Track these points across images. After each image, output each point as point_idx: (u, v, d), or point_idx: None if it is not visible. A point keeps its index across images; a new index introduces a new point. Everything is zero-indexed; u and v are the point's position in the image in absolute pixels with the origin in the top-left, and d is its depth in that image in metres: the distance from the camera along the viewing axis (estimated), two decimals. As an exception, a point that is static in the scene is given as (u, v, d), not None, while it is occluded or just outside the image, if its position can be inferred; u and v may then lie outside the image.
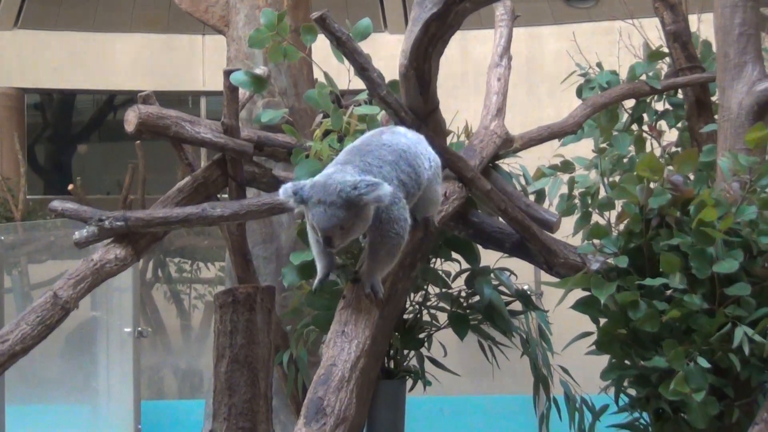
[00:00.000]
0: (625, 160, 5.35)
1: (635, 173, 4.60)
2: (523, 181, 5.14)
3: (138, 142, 12.41)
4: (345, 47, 4.18)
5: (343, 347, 3.83)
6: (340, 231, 3.46)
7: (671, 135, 6.05)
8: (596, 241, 4.70)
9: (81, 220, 4.74)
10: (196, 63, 16.42)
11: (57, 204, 4.79)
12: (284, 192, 3.51)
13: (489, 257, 5.04)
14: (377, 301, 3.67)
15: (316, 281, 3.80)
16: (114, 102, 19.33)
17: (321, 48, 4.67)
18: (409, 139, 3.84)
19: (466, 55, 13.42)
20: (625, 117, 5.93)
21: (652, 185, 4.55)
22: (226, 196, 4.99)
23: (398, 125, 4.12)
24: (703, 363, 4.22)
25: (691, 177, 4.72)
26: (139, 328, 10.14)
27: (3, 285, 8.80)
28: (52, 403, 9.78)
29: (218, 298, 2.32)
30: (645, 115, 5.95)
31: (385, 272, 3.76)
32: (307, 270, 4.82)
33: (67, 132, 20.40)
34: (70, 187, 13.04)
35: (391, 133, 3.84)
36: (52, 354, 9.28)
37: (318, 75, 4.98)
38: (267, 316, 2.30)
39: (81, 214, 4.77)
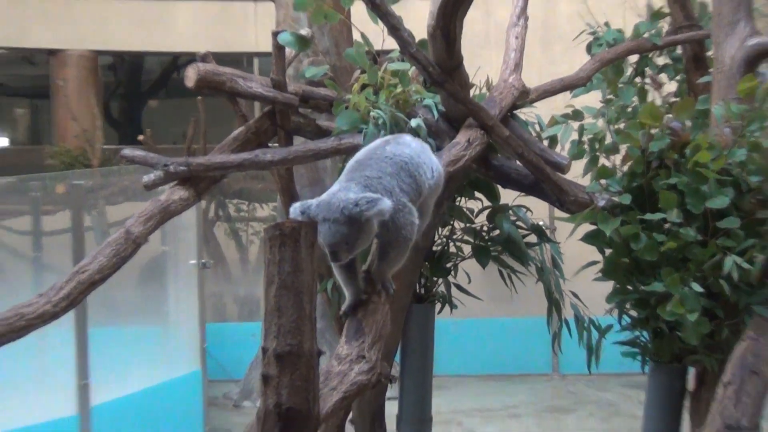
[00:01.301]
0: (629, 110, 5.31)
1: (638, 120, 4.59)
2: (537, 129, 5.11)
3: (200, 98, 12.45)
4: (379, 10, 4.17)
5: (379, 276, 3.85)
6: (345, 245, 3.31)
7: (671, 86, 6.03)
8: (603, 181, 4.70)
9: (148, 165, 4.75)
10: (249, 27, 16.42)
11: (128, 151, 4.81)
12: (293, 211, 3.34)
13: (508, 196, 5.03)
14: (388, 297, 3.54)
15: (345, 306, 3.57)
16: (177, 62, 19.35)
17: (358, 11, 4.65)
18: (412, 149, 3.66)
19: (489, 17, 13.37)
20: (629, 71, 5.92)
21: (652, 131, 4.55)
22: (276, 143, 4.99)
23: (403, 135, 3.89)
24: (697, 288, 4.24)
25: (688, 123, 4.68)
26: (203, 261, 10.20)
27: (83, 224, 8.84)
28: (128, 326, 9.87)
29: (267, 232, 2.32)
30: (647, 69, 5.94)
31: (395, 269, 3.60)
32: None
33: (137, 89, 20.46)
34: (141, 137, 13.10)
35: (395, 144, 3.66)
36: (128, 283, 9.36)
37: (356, 35, 4.96)
38: (310, 248, 2.30)
39: (148, 160, 4.78)
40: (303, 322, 2.30)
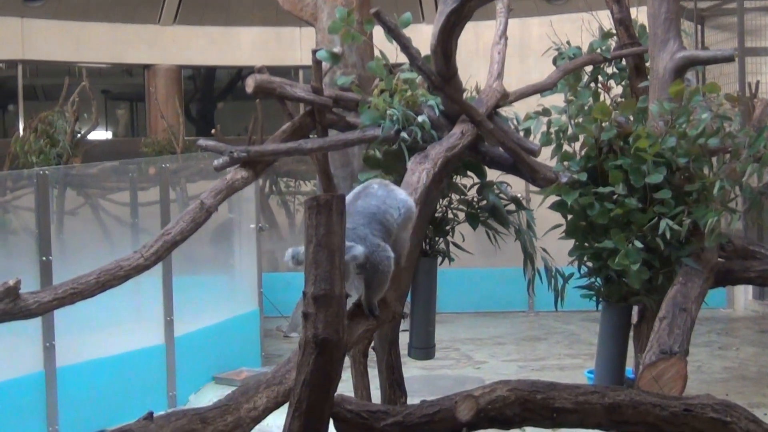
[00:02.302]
0: (585, 108, 5.26)
1: (592, 116, 4.56)
2: (515, 123, 5.07)
3: (257, 101, 12.45)
4: (393, 33, 4.14)
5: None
6: None
7: (618, 90, 5.97)
8: (565, 163, 4.67)
9: (218, 152, 4.74)
10: (295, 46, 16.44)
11: (203, 142, 4.80)
12: (287, 255, 3.20)
13: (492, 174, 5.02)
14: (375, 319, 3.29)
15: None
16: (241, 74, 19.31)
17: (378, 33, 4.62)
18: (378, 198, 3.39)
19: (477, 37, 13.25)
20: (586, 78, 5.86)
21: (603, 124, 4.52)
22: (315, 135, 4.97)
23: (371, 186, 3.50)
24: (638, 244, 4.21)
25: (631, 118, 4.65)
26: (260, 225, 10.21)
27: (169, 197, 8.87)
28: (203, 275, 9.90)
29: (307, 203, 2.31)
30: (600, 77, 5.87)
31: (379, 296, 3.32)
32: (369, 184, 4.83)
33: (210, 94, 20.46)
34: (213, 131, 13.08)
35: (365, 197, 3.39)
36: (202, 242, 9.38)
37: (376, 52, 4.93)
38: (339, 216, 2.28)
39: (218, 148, 4.77)
40: (334, 272, 2.29)
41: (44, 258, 7.11)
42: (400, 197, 3.48)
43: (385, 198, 3.41)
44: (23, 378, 6.93)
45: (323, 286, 2.27)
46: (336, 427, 2.60)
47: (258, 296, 10.29)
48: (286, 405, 3.03)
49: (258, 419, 2.92)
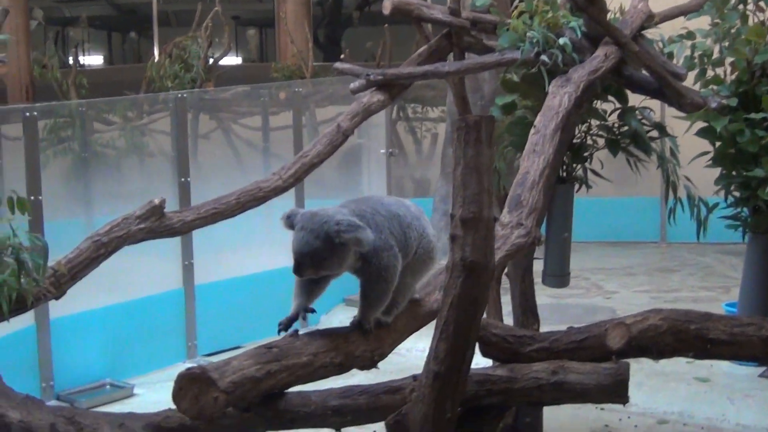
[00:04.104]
0: (732, 31, 5.04)
1: (744, 38, 4.36)
2: (660, 46, 4.89)
3: (386, 25, 12.39)
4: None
5: (534, 160, 3.77)
6: (310, 260, 2.66)
7: (770, 12, 5.66)
8: (714, 87, 4.51)
9: (354, 75, 4.74)
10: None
11: (338, 65, 4.82)
12: (282, 215, 2.83)
13: (635, 99, 4.86)
14: (367, 335, 2.78)
15: (285, 318, 2.82)
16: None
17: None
18: (411, 212, 2.94)
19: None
20: (733, 0, 5.58)
21: (757, 47, 4.31)
22: (451, 59, 4.91)
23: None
24: (791, 173, 4.04)
25: (787, 39, 4.43)
26: (390, 150, 10.23)
27: (302, 122, 8.95)
28: (334, 198, 9.99)
29: (455, 123, 2.26)
30: (750, -1, 5.59)
31: (378, 311, 2.81)
32: (508, 108, 4.74)
33: (338, 20, 20.51)
34: (342, 56, 13.10)
35: (395, 199, 3.01)
36: (333, 167, 9.45)
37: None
38: (488, 137, 2.23)
39: (354, 71, 4.78)
40: (482, 195, 2.24)
41: (183, 179, 7.31)
42: (431, 230, 3.03)
43: (415, 217, 2.95)
44: (164, 294, 7.21)
45: (472, 208, 2.23)
46: (481, 350, 2.60)
47: (386, 221, 10.35)
48: (424, 328, 3.05)
49: (397, 341, 2.94)
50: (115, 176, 7.82)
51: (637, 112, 4.86)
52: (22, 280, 3.39)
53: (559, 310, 8.10)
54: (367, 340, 2.76)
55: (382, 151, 10.07)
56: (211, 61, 12.88)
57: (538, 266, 5.18)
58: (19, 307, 3.46)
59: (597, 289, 9.45)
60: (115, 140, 8.47)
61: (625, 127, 4.84)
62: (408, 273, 2.87)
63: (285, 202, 8.01)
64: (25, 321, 5.92)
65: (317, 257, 2.64)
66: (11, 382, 3.05)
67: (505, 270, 5.04)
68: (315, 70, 14.03)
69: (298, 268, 2.67)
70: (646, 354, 2.35)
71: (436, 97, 14.25)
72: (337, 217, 2.66)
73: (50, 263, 3.57)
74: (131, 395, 6.51)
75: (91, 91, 12.58)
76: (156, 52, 15.63)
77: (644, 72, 4.58)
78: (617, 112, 4.88)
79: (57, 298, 3.77)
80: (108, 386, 6.66)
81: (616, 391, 2.32)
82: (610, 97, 4.87)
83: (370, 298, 2.76)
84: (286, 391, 2.63)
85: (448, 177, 11.17)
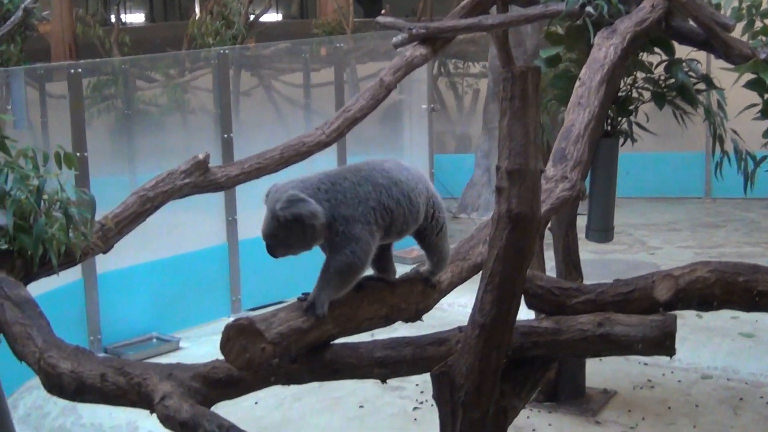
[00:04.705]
0: (784, -19, 4.94)
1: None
2: (708, -4, 4.79)
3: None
4: None
5: (579, 113, 3.72)
6: (275, 241, 2.49)
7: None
8: (763, 38, 4.40)
9: (397, 29, 4.72)
10: None
11: (381, 18, 4.79)
12: (266, 190, 2.58)
13: (682, 51, 4.77)
14: (314, 316, 2.48)
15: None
16: (409, -48, 19.06)
17: None
18: (408, 171, 2.66)
19: None
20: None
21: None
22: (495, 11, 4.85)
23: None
24: (843, 125, 3.96)
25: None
26: (432, 105, 10.18)
27: (343, 78, 8.93)
28: (373, 154, 10.00)
29: (502, 74, 2.24)
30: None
31: (334, 295, 2.52)
32: (552, 61, 4.69)
33: (379, -26, 20.39)
34: (383, 11, 13.03)
35: (395, 163, 2.68)
36: (374, 123, 9.43)
37: None
38: (535, 88, 2.21)
39: (396, 24, 4.75)
40: (529, 146, 2.22)
41: (225, 135, 7.34)
42: (433, 191, 2.76)
43: (417, 180, 2.68)
44: (209, 249, 7.29)
45: (518, 160, 2.21)
46: (527, 303, 2.59)
47: (429, 177, 10.33)
48: (465, 283, 3.05)
49: (443, 293, 2.94)
50: (158, 133, 7.88)
51: (683, 64, 4.78)
52: (71, 234, 3.44)
53: (601, 265, 8.06)
54: (413, 294, 2.77)
55: (424, 106, 10.02)
56: (251, 17, 12.87)
57: (581, 221, 5.15)
58: (67, 260, 3.51)
59: (640, 245, 9.39)
60: (157, 97, 8.52)
61: (672, 80, 4.77)
62: (439, 232, 2.73)
63: (328, 158, 8.05)
64: (73, 275, 6.02)
65: (280, 237, 2.49)
66: (60, 336, 3.11)
67: (549, 224, 5.02)
68: (355, 25, 13.98)
69: (271, 250, 2.54)
70: (693, 306, 2.34)
71: (477, 53, 14.14)
72: (284, 195, 2.46)
73: (97, 218, 3.61)
74: (177, 348, 6.62)
75: (132, 49, 12.65)
76: (197, 9, 15.64)
77: (691, 23, 4.50)
78: (664, 64, 4.81)
79: (104, 252, 3.82)
80: (154, 340, 6.77)
81: (662, 343, 2.30)
82: (656, 49, 4.80)
83: (329, 273, 2.50)
84: (331, 342, 2.64)
85: (491, 133, 11.12)
